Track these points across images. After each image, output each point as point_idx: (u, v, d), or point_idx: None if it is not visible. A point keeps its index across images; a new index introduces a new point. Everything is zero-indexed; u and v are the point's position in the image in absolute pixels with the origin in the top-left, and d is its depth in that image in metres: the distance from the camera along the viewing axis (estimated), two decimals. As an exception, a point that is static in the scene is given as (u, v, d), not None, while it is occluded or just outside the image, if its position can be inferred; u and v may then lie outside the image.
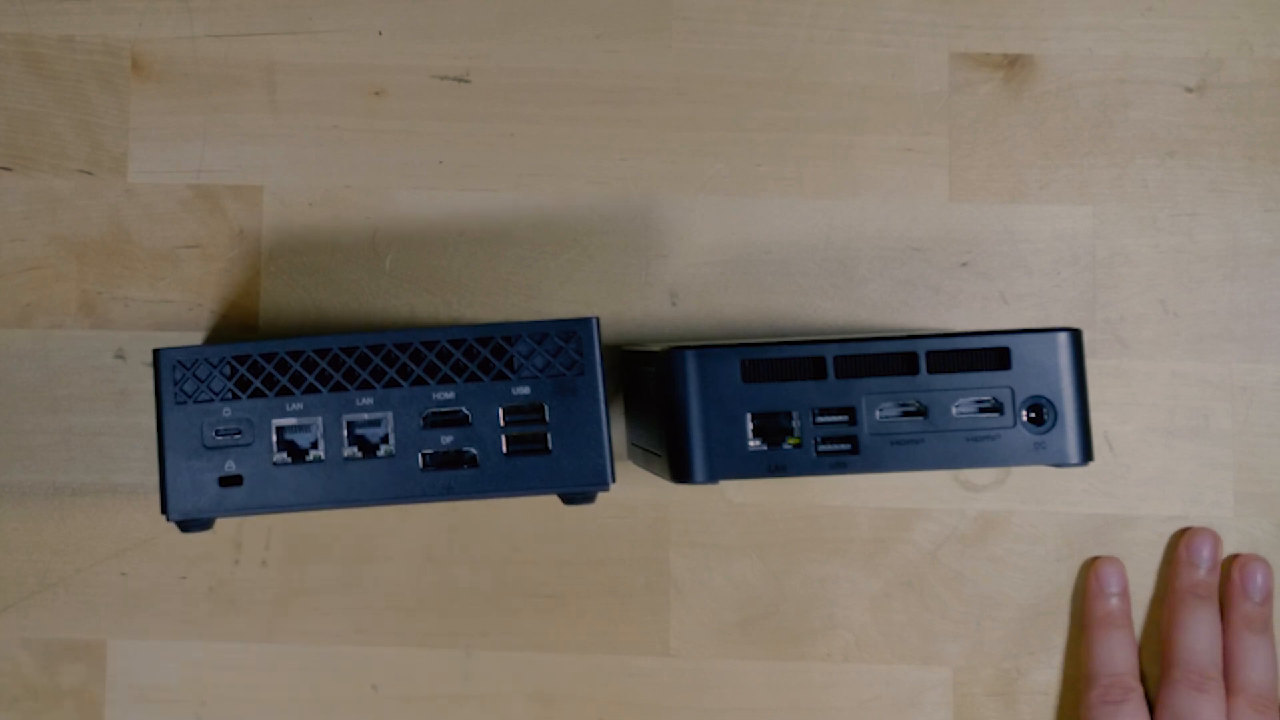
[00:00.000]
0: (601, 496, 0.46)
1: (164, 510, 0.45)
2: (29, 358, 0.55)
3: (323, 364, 0.44)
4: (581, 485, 0.44)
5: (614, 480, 0.44)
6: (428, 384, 0.44)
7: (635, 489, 0.54)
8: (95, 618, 0.55)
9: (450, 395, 0.44)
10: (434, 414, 0.44)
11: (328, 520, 0.54)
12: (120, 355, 0.55)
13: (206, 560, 0.55)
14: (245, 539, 0.55)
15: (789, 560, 0.54)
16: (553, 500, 0.46)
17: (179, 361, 0.45)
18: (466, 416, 0.44)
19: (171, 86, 0.55)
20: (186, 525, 0.45)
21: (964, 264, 0.55)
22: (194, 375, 0.45)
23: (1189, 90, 0.55)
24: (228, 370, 0.45)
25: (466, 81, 0.55)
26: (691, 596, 0.54)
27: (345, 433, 0.44)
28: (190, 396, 0.45)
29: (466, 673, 0.55)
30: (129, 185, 0.55)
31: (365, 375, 0.44)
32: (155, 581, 0.55)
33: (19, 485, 0.55)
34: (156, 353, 0.46)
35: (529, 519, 0.55)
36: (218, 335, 0.55)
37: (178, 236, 0.55)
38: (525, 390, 0.44)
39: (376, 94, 0.55)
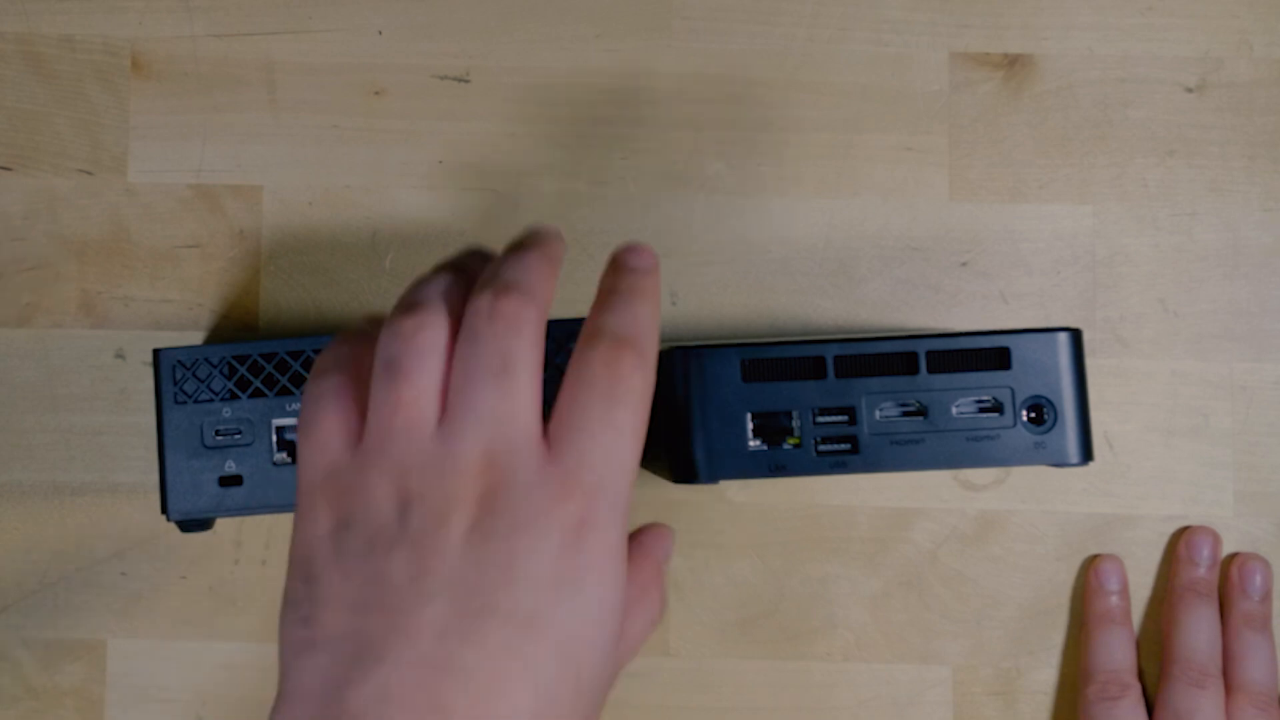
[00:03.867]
0: (601, 496, 0.46)
1: (164, 510, 0.45)
2: (29, 357, 0.55)
3: (323, 364, 0.44)
4: (581, 485, 0.44)
5: (614, 480, 0.44)
6: (428, 384, 0.44)
7: (636, 489, 0.54)
8: (95, 618, 0.55)
9: (450, 395, 0.44)
10: (434, 414, 0.44)
11: (328, 520, 0.54)
12: (120, 355, 0.55)
13: (206, 560, 0.55)
14: (245, 539, 0.55)
15: (789, 560, 0.54)
16: (553, 500, 0.46)
17: (179, 361, 0.45)
18: (466, 416, 0.44)
19: (171, 86, 0.55)
20: (186, 525, 0.45)
21: (964, 263, 0.55)
22: (194, 375, 0.45)
23: (1189, 90, 0.55)
24: (228, 370, 0.45)
25: (466, 81, 0.55)
26: (691, 596, 0.54)
27: (345, 433, 0.44)
28: (190, 396, 0.45)
29: (466, 672, 0.54)
30: (129, 185, 0.55)
31: (365, 375, 0.44)
32: (155, 581, 0.55)
33: (19, 485, 0.55)
34: (156, 353, 0.46)
35: (529, 519, 0.55)
36: (218, 335, 0.55)
37: (178, 236, 0.55)
38: (525, 390, 0.44)
39: (376, 94, 0.55)
